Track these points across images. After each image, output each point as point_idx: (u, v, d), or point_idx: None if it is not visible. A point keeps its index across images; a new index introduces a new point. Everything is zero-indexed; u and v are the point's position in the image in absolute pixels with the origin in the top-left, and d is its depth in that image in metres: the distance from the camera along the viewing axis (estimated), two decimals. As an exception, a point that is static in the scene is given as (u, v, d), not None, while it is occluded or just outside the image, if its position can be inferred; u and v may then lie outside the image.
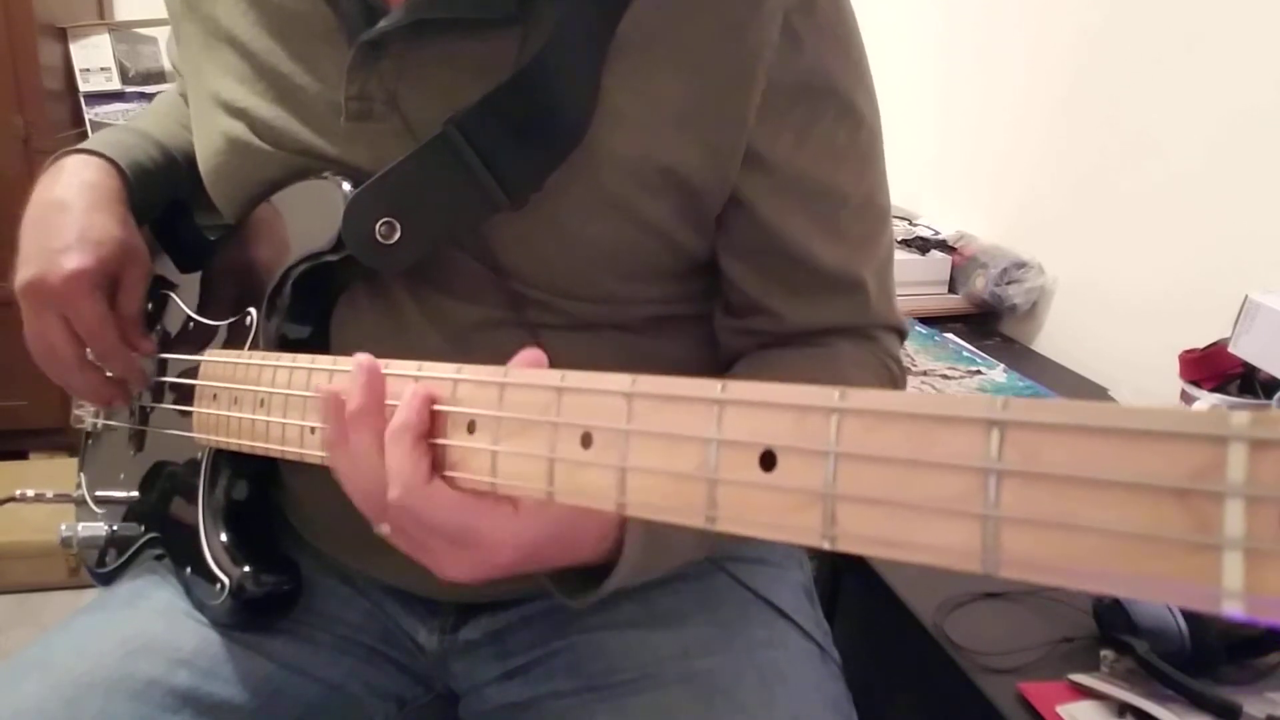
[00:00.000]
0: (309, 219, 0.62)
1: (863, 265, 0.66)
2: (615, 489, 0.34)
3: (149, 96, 2.30)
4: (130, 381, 0.72)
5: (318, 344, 0.65)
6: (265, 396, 0.59)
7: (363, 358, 0.49)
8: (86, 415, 0.85)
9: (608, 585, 0.52)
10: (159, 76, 2.33)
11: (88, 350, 0.69)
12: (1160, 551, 0.21)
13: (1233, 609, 0.20)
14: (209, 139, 0.68)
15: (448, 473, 0.44)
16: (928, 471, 0.25)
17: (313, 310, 0.65)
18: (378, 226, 0.58)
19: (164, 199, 0.78)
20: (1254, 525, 0.20)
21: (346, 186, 0.60)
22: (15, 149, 2.12)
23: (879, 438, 0.26)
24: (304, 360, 0.56)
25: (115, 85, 2.29)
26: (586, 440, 0.36)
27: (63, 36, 2.26)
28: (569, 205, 0.59)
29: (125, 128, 0.78)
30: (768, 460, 0.29)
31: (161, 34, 2.31)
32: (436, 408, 0.45)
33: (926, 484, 0.25)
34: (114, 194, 0.70)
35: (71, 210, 0.68)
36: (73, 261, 0.65)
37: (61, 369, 0.69)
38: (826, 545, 0.27)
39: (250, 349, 0.65)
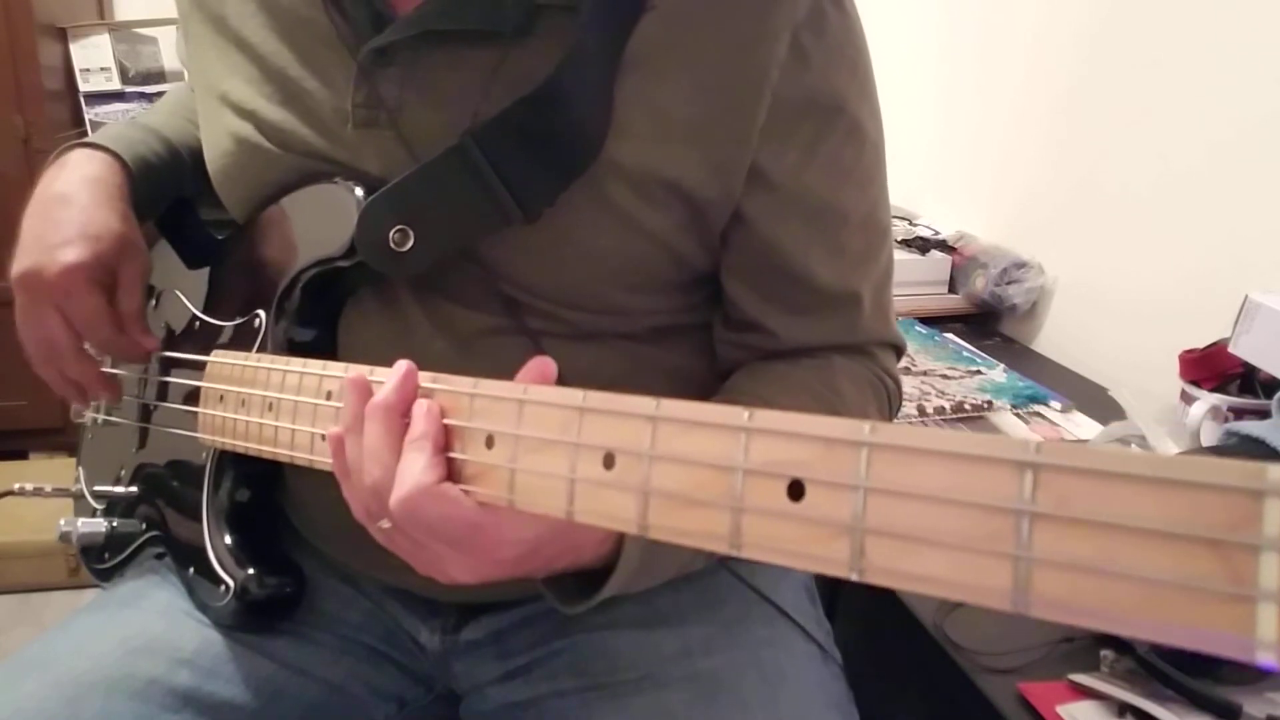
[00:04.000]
0: (321, 223, 0.62)
1: (860, 281, 0.66)
2: (637, 512, 0.35)
3: (149, 96, 2.29)
4: (134, 362, 0.72)
5: (325, 348, 0.65)
6: (274, 401, 0.59)
7: (406, 362, 0.49)
8: (88, 410, 0.85)
9: (605, 590, 0.52)
10: (159, 76, 2.32)
11: (85, 344, 0.69)
12: (1193, 600, 0.21)
13: (1266, 659, 0.20)
14: (216, 138, 0.68)
15: (464, 486, 0.44)
16: (959, 510, 0.25)
17: (321, 314, 0.65)
18: (391, 233, 0.58)
19: (169, 195, 0.78)
20: (1289, 579, 0.20)
21: (360, 192, 0.60)
22: (15, 149, 2.11)
23: (910, 474, 0.26)
24: (314, 365, 0.56)
25: (115, 85, 2.28)
26: (609, 461, 0.36)
27: (63, 36, 2.24)
28: (577, 218, 0.59)
29: (131, 123, 0.78)
30: (795, 490, 0.29)
31: (161, 34, 2.30)
32: (453, 421, 0.45)
33: (958, 522, 0.25)
34: (116, 189, 0.70)
35: (72, 205, 0.67)
36: (70, 255, 0.65)
37: (56, 360, 0.69)
38: (855, 577, 0.27)
39: (258, 351, 0.65)
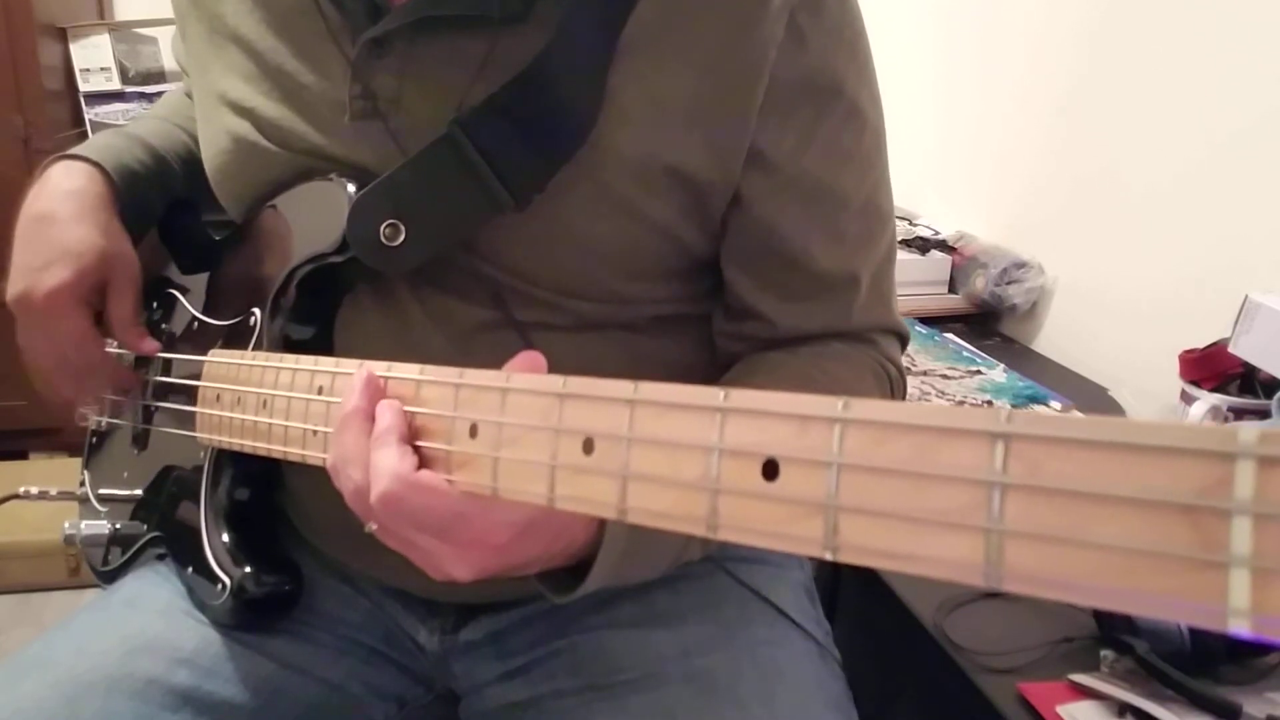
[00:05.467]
0: (314, 220, 0.62)
1: (860, 266, 0.66)
2: (616, 496, 0.34)
3: (149, 96, 2.29)
4: (119, 390, 0.72)
5: (321, 345, 0.65)
6: (268, 398, 0.59)
7: (363, 368, 0.50)
8: (91, 414, 0.85)
9: (593, 575, 0.52)
10: (159, 76, 2.32)
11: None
12: (1165, 568, 0.21)
13: (1239, 627, 0.20)
14: (215, 137, 0.68)
15: (449, 477, 0.44)
16: (931, 484, 0.25)
17: (317, 311, 0.65)
18: (382, 228, 0.58)
19: (159, 201, 0.78)
20: (1261, 543, 0.20)
21: (351, 188, 0.60)
22: (15, 149, 2.12)
23: (882, 449, 0.26)
24: (306, 362, 0.56)
25: (115, 85, 2.29)
26: (588, 447, 0.36)
27: (63, 36, 2.25)
28: (574, 205, 0.59)
29: (115, 132, 0.78)
30: (770, 469, 0.29)
31: (161, 34, 2.30)
32: (439, 412, 0.45)
33: (930, 496, 0.25)
34: (98, 200, 0.70)
35: (53, 223, 0.68)
36: (52, 278, 0.66)
37: (54, 380, 0.71)
38: (828, 556, 0.27)
39: (254, 349, 0.65)
